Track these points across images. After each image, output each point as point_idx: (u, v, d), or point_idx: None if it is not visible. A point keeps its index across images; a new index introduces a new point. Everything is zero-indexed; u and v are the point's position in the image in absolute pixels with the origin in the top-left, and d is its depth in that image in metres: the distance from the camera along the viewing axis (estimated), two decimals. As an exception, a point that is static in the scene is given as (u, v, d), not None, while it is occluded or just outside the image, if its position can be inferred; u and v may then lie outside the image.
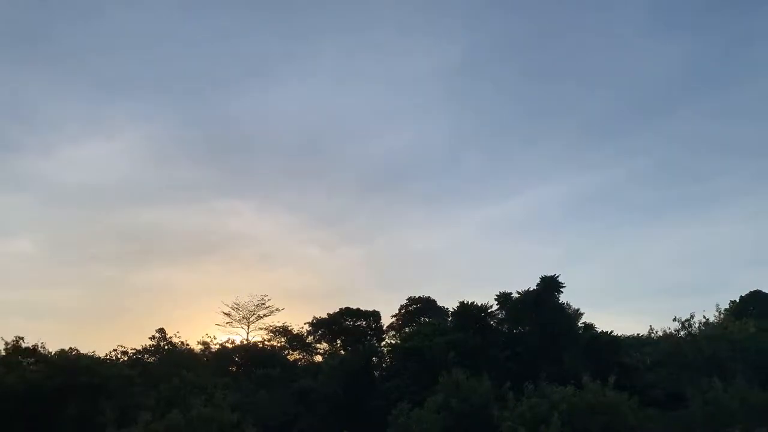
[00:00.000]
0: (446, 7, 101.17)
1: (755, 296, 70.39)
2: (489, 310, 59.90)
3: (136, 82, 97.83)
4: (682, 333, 59.72)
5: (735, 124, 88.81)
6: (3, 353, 54.45)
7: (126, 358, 58.25)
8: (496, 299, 59.13)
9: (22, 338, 55.93)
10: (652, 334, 62.96)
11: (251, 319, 67.59)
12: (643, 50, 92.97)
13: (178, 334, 61.51)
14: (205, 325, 68.32)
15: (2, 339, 55.09)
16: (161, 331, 60.85)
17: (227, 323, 67.49)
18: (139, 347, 59.47)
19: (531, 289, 57.01)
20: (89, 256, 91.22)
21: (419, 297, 67.96)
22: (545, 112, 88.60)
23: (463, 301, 60.83)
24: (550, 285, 56.71)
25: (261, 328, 67.67)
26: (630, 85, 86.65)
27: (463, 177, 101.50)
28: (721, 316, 68.89)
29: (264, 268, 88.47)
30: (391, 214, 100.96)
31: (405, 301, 68.05)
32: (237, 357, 61.43)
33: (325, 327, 65.70)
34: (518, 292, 57.70)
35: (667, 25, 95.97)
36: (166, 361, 56.63)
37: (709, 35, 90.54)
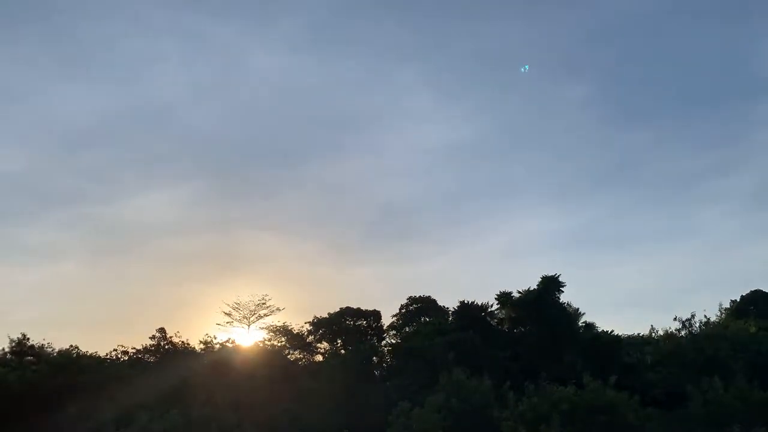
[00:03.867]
0: (453, 100, 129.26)
1: (756, 296, 70.24)
2: (489, 310, 59.90)
3: (185, 155, 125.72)
4: (682, 332, 59.88)
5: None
6: (7, 350, 54.71)
7: (126, 358, 58.20)
8: (496, 299, 59.11)
9: (27, 338, 56.22)
10: (653, 334, 63.06)
11: (252, 319, 67.59)
12: (592, 138, 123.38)
13: (178, 334, 61.55)
14: (206, 325, 68.45)
15: (8, 337, 55.41)
16: (162, 330, 60.79)
17: (228, 323, 67.42)
18: (139, 347, 59.47)
19: (531, 288, 56.97)
20: (123, 275, 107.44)
21: (420, 297, 67.81)
22: (529, 176, 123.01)
23: (464, 301, 60.86)
24: (551, 284, 56.65)
25: (261, 328, 67.63)
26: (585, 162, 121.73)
27: (462, 217, 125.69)
28: (722, 315, 68.94)
29: (279, 283, 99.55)
30: (398, 244, 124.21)
31: (405, 301, 67.95)
32: (237, 357, 61.34)
33: (325, 327, 65.58)
34: (519, 292, 57.63)
35: (621, 120, 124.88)
36: (167, 361, 56.63)
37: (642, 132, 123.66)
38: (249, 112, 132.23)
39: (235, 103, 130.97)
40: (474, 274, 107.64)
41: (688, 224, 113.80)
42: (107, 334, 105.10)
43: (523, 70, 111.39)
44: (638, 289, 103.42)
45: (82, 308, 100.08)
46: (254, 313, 67.09)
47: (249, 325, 66.93)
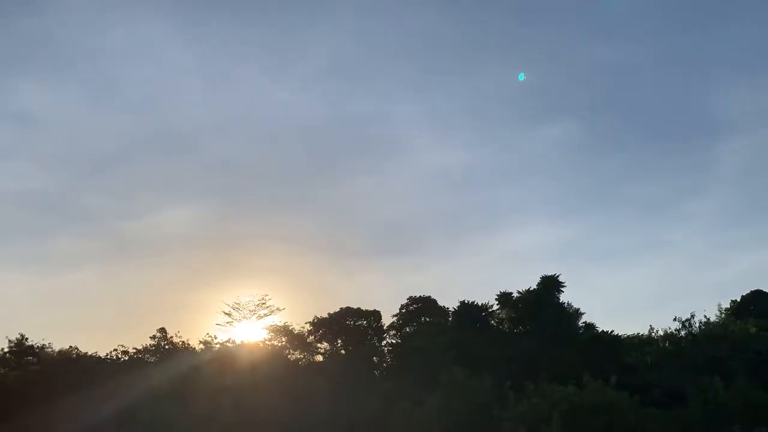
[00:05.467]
0: (450, 132, 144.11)
1: (756, 296, 70.10)
2: (489, 310, 59.86)
3: (202, 176, 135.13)
4: (682, 333, 59.73)
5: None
6: (7, 351, 54.73)
7: (126, 358, 58.20)
8: (496, 299, 59.06)
9: (26, 338, 56.24)
10: (653, 334, 62.89)
11: (252, 319, 67.52)
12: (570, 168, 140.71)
13: (178, 334, 61.55)
14: (206, 325, 68.78)
15: (6, 338, 55.44)
16: (162, 330, 60.80)
17: (228, 323, 67.40)
18: (139, 347, 59.47)
19: (531, 288, 56.93)
20: (137, 282, 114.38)
21: (420, 297, 67.68)
22: (521, 197, 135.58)
23: (464, 301, 60.75)
24: (551, 285, 56.63)
25: (263, 328, 67.57)
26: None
27: (462, 231, 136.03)
28: (722, 315, 68.83)
29: (285, 290, 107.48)
30: (400, 254, 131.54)
31: (405, 301, 67.83)
32: (237, 357, 61.33)
33: (325, 327, 65.47)
34: (519, 292, 57.60)
35: (601, 151, 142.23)
36: (167, 360, 56.63)
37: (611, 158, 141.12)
38: (265, 141, 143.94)
39: (253, 132, 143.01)
40: (473, 279, 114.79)
41: (661, 240, 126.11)
42: (119, 336, 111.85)
43: (520, 78, 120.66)
44: (620, 297, 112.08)
45: (96, 312, 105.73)
46: (254, 313, 67.10)
47: (249, 325, 66.94)
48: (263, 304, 67.26)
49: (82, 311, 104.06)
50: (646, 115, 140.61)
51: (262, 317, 67.03)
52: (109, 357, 57.60)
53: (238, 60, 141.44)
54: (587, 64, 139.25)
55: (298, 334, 64.72)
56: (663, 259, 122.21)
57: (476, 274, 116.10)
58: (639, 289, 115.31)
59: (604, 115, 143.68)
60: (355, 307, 66.08)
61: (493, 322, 59.73)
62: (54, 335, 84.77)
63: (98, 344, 77.41)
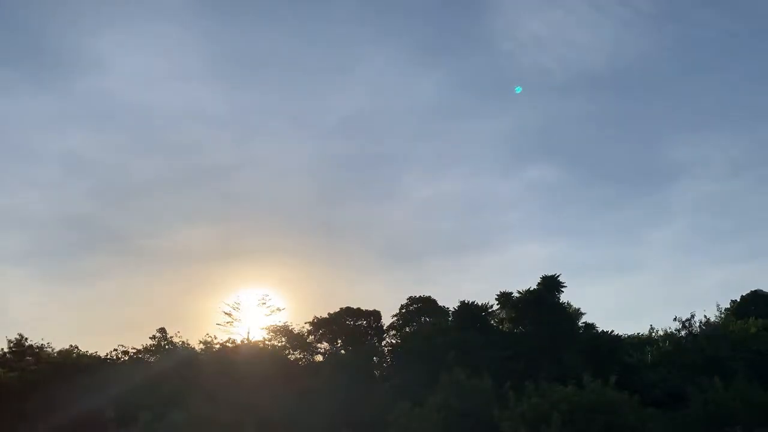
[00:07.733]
0: (449, 168, 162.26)
1: (756, 296, 70.18)
2: (490, 310, 59.87)
3: (221, 202, 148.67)
4: (682, 333, 59.81)
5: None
6: (6, 351, 54.74)
7: (127, 358, 58.23)
8: (496, 299, 59.07)
9: (26, 338, 56.27)
10: (653, 334, 62.98)
11: (252, 319, 67.50)
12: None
13: (178, 334, 61.58)
14: (209, 326, 69.09)
15: (6, 337, 55.48)
16: (162, 330, 60.86)
17: (228, 323, 67.43)
18: (139, 347, 59.51)
19: (532, 288, 56.94)
20: (153, 291, 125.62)
21: (420, 297, 67.68)
22: (514, 219, 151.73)
23: (464, 301, 60.73)
24: (551, 285, 56.64)
25: (262, 328, 67.61)
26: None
27: (460, 248, 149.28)
28: (722, 315, 68.92)
29: (288, 292, 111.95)
30: (403, 265, 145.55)
31: (405, 301, 67.85)
32: (237, 357, 61.35)
33: (325, 327, 65.49)
34: (519, 292, 57.60)
35: (582, 186, 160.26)
36: (167, 360, 56.67)
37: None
38: (283, 176, 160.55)
39: (273, 169, 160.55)
40: (471, 287, 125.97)
41: (635, 259, 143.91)
42: (131, 338, 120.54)
43: (517, 90, 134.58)
44: (603, 306, 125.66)
45: (114, 317, 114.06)
46: (254, 313, 67.13)
47: (249, 325, 66.91)
48: (263, 303, 67.37)
49: (101, 317, 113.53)
50: (616, 160, 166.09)
51: (262, 317, 67.14)
52: (109, 357, 57.66)
53: (268, 115, 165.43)
54: (564, 115, 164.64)
55: (298, 334, 64.75)
56: (635, 277, 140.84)
57: (475, 283, 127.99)
58: (621, 298, 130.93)
59: (580, 159, 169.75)
60: (355, 307, 66.15)
61: (493, 322, 59.74)
62: (75, 339, 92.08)
63: (111, 346, 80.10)
